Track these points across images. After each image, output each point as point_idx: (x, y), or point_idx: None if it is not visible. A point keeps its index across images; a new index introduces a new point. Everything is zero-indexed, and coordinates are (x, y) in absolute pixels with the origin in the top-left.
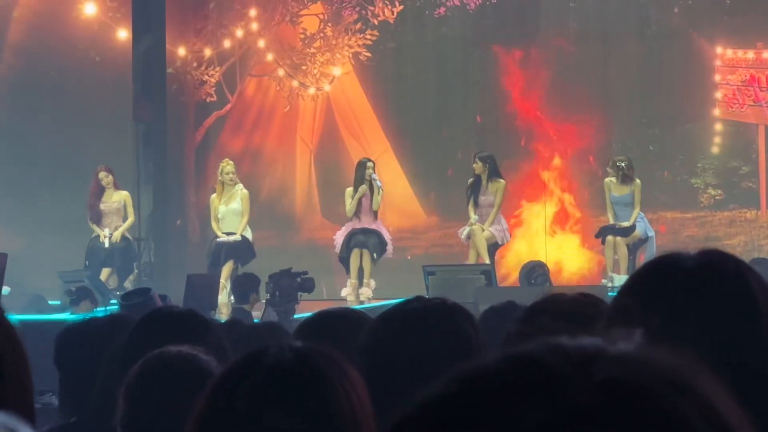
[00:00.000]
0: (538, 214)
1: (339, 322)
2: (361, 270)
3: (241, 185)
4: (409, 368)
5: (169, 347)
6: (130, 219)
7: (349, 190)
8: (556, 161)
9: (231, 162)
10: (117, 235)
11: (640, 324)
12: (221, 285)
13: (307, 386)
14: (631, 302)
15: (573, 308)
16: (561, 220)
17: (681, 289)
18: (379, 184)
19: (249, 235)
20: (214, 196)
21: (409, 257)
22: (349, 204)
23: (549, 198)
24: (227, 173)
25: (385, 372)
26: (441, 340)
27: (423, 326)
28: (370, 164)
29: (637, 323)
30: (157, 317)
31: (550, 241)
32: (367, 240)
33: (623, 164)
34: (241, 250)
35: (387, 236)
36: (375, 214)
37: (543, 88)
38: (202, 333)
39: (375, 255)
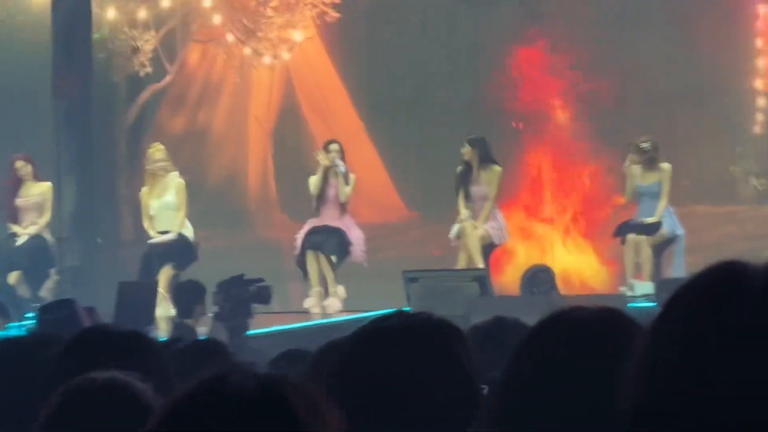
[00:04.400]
0: (541, 209)
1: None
2: (324, 277)
3: (175, 173)
4: (389, 397)
5: (95, 373)
6: (46, 215)
7: (313, 178)
8: (563, 145)
9: (161, 147)
10: (32, 230)
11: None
12: (160, 295)
13: (273, 420)
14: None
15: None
16: (570, 215)
17: (749, 318)
18: (342, 170)
19: (189, 233)
20: (144, 189)
21: (385, 260)
22: (318, 179)
23: (554, 190)
24: (156, 161)
25: (361, 402)
26: (427, 363)
27: (405, 347)
28: (332, 146)
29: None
30: (90, 338)
31: (557, 242)
32: (324, 240)
33: (647, 146)
34: (177, 251)
35: (356, 236)
36: (342, 207)
37: (547, 55)
38: (144, 357)
39: (334, 258)
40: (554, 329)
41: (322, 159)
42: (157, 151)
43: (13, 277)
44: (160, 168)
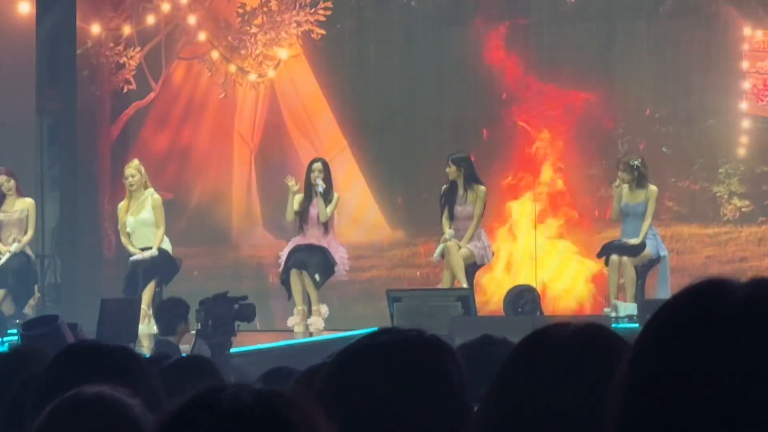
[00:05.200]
0: (527, 231)
1: None
2: (308, 295)
3: (151, 190)
4: (378, 415)
5: (84, 388)
6: (30, 232)
7: (299, 197)
8: (549, 167)
9: (134, 163)
10: (14, 248)
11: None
12: (142, 312)
13: None
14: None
15: (578, 344)
16: (556, 237)
17: (730, 330)
18: (320, 189)
19: (168, 247)
20: (120, 205)
21: (369, 280)
22: (291, 204)
23: (540, 214)
24: (127, 176)
25: (350, 419)
26: (418, 381)
27: (396, 365)
28: (315, 165)
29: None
30: (78, 353)
31: (541, 263)
32: (308, 258)
33: (638, 163)
34: (161, 267)
35: (339, 255)
36: (325, 227)
37: (533, 77)
38: (132, 374)
39: (317, 277)
40: (540, 345)
41: (291, 185)
42: (129, 168)
43: None
44: (130, 184)
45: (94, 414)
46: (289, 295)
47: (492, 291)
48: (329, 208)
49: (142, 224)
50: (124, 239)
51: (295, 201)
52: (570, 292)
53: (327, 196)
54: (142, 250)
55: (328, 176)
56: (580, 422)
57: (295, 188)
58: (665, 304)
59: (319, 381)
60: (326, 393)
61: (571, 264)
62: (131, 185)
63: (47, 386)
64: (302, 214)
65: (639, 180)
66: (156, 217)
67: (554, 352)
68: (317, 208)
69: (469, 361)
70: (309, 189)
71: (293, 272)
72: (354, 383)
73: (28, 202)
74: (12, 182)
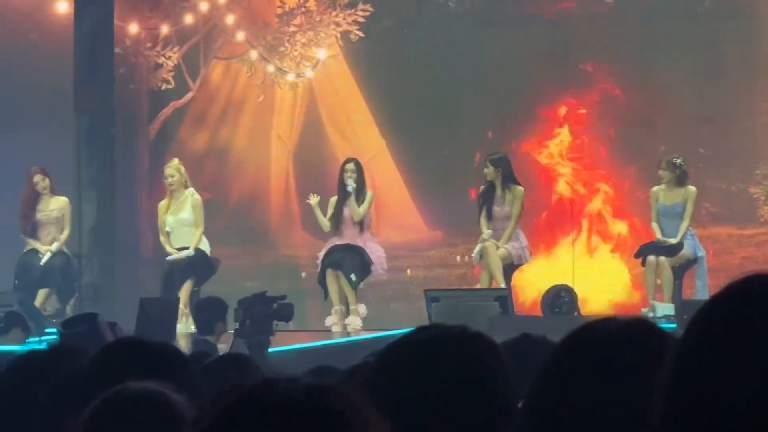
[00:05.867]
0: (565, 229)
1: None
2: (345, 295)
3: (192, 190)
4: (422, 410)
5: (130, 383)
6: (66, 231)
7: (333, 199)
8: (589, 165)
9: (174, 162)
10: (53, 249)
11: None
12: (180, 311)
13: (323, 428)
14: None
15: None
16: (593, 236)
17: None
18: (349, 189)
19: (206, 248)
20: (161, 204)
21: (407, 280)
22: (320, 218)
23: (578, 209)
24: (167, 176)
25: (394, 414)
26: (462, 376)
27: (440, 360)
28: (348, 165)
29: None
30: (120, 348)
31: (579, 262)
32: (344, 259)
33: (680, 161)
34: (198, 267)
35: (377, 254)
36: (361, 226)
37: (571, 78)
38: (176, 370)
39: (353, 277)
40: (585, 340)
41: (312, 202)
42: (168, 167)
43: (41, 295)
44: (170, 184)
45: (141, 409)
46: (326, 295)
47: (530, 291)
48: (362, 208)
49: (181, 224)
50: (162, 238)
51: (329, 204)
52: (606, 293)
53: (359, 196)
54: (180, 249)
55: (360, 176)
56: (625, 417)
57: (315, 200)
58: (712, 298)
59: (364, 377)
60: (371, 388)
61: (608, 265)
62: (171, 185)
63: (91, 382)
64: (336, 215)
65: (680, 178)
66: (195, 217)
67: (600, 346)
68: (350, 208)
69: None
70: (342, 189)
71: (329, 272)
72: (399, 379)
73: (62, 201)
74: (47, 181)
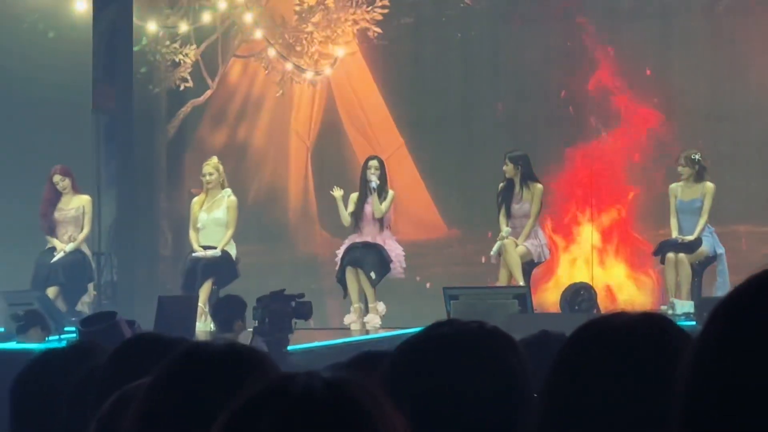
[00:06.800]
0: (584, 226)
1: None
2: (364, 293)
3: (229, 191)
4: (439, 405)
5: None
6: (86, 229)
7: (354, 195)
8: (608, 163)
9: (213, 160)
10: (69, 248)
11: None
12: (199, 310)
13: (342, 420)
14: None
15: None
16: (611, 233)
17: None
18: (373, 185)
19: (232, 251)
20: (195, 199)
21: (426, 278)
22: (342, 212)
23: (596, 208)
24: (205, 174)
25: (412, 409)
26: (479, 373)
27: (457, 356)
28: (371, 162)
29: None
30: (139, 344)
31: (598, 259)
32: (363, 257)
33: (698, 156)
34: (221, 268)
35: (395, 252)
36: (381, 224)
37: (590, 74)
38: None
39: (373, 274)
40: (596, 333)
41: (336, 195)
42: (207, 165)
43: (50, 293)
44: (208, 182)
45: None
46: (345, 293)
47: (549, 288)
48: (384, 205)
49: (214, 223)
50: (192, 233)
51: (350, 200)
52: (625, 290)
53: (381, 193)
54: (207, 248)
55: (383, 174)
56: (637, 411)
57: (339, 193)
58: (731, 292)
59: (381, 371)
60: (389, 383)
61: (625, 262)
62: (209, 182)
63: (110, 378)
64: (357, 212)
65: (699, 173)
66: (228, 218)
67: (610, 340)
68: (372, 205)
69: (526, 355)
70: (364, 186)
71: (348, 270)
72: (416, 374)
73: (84, 199)
74: (67, 180)
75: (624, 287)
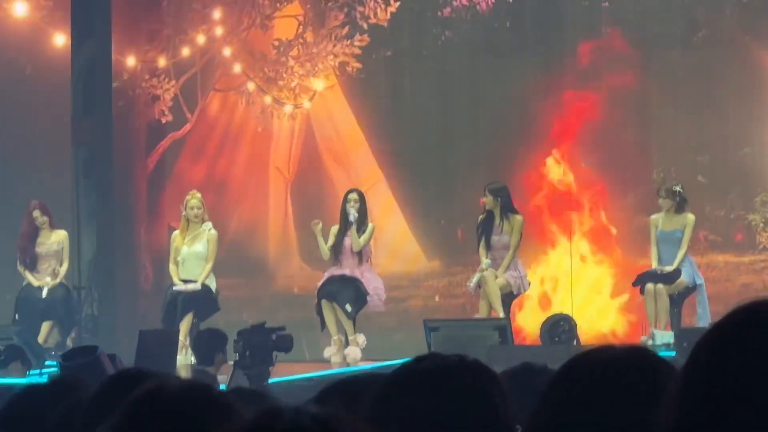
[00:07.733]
0: (561, 258)
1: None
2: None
3: (209, 224)
4: None
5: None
6: (65, 263)
7: (334, 228)
8: (584, 195)
9: (198, 194)
10: (50, 283)
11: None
12: (180, 343)
13: None
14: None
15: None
16: (591, 265)
17: None
18: (351, 219)
19: (212, 284)
20: (176, 233)
21: (405, 310)
22: (321, 245)
23: (574, 239)
24: (191, 208)
25: None
26: (461, 407)
27: (438, 390)
28: (350, 195)
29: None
30: (122, 380)
31: (577, 291)
32: (339, 290)
33: (679, 188)
34: (201, 302)
35: (374, 285)
36: (360, 257)
37: (567, 106)
38: None
39: (349, 307)
40: (583, 368)
41: (315, 227)
42: (192, 198)
43: (45, 328)
44: (194, 215)
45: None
46: (323, 326)
47: (528, 320)
48: (362, 238)
49: (194, 256)
50: (172, 267)
51: (330, 233)
52: (605, 321)
53: (360, 226)
54: (187, 282)
55: (363, 207)
56: None
57: (318, 227)
58: (716, 324)
59: (364, 406)
60: (371, 419)
61: (605, 292)
62: (195, 216)
63: (92, 414)
64: (336, 245)
65: (680, 205)
66: (208, 251)
67: (598, 374)
68: (351, 238)
69: (509, 388)
70: (344, 219)
71: (324, 303)
72: (398, 409)
73: (62, 234)
74: (45, 218)
75: (605, 317)
